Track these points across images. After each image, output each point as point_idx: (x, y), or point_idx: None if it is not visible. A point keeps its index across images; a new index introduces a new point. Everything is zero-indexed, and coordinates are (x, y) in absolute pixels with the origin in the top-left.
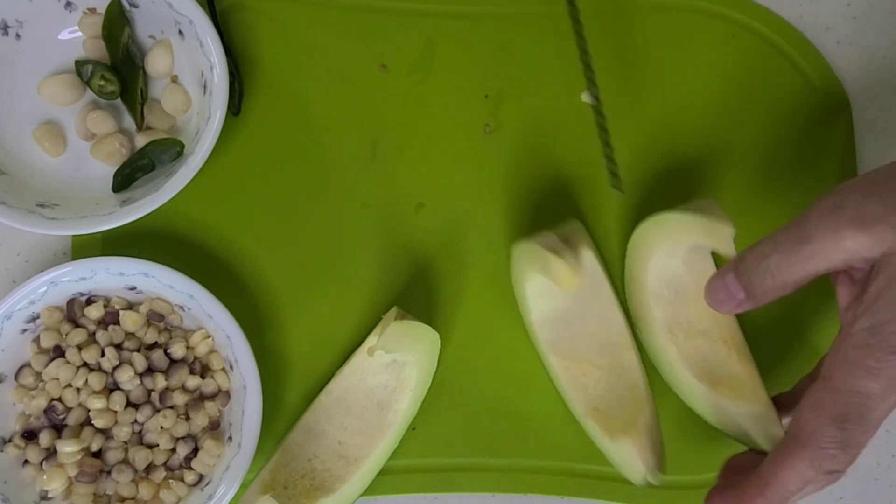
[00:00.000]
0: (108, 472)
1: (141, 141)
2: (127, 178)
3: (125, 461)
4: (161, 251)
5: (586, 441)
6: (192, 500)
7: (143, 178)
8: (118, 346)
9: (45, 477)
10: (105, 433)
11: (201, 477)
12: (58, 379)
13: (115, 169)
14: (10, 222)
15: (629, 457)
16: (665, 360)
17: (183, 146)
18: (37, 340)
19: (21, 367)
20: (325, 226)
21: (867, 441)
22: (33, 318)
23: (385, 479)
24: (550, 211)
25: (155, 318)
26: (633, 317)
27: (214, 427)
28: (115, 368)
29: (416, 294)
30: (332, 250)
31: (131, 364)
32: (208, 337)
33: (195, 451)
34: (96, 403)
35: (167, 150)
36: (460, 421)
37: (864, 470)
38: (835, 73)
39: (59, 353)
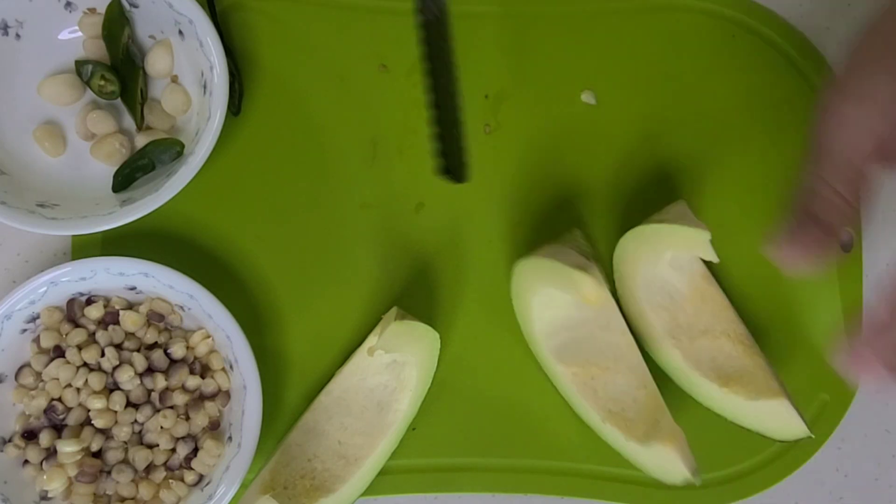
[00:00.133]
0: (108, 472)
1: (141, 141)
2: (127, 178)
3: (125, 461)
4: (161, 251)
5: (586, 441)
6: (192, 500)
7: (143, 178)
8: (118, 346)
9: (45, 477)
10: (105, 433)
11: (201, 477)
12: (58, 379)
13: (115, 169)
14: (10, 222)
15: (668, 459)
16: (673, 365)
17: (183, 146)
18: (37, 340)
19: (21, 367)
20: (325, 226)
21: None
22: (33, 318)
23: (385, 479)
24: (550, 211)
25: (155, 318)
26: (633, 329)
27: (214, 427)
28: (115, 368)
29: (417, 294)
30: (332, 250)
31: (131, 364)
32: (208, 337)
33: (195, 451)
34: (96, 403)
35: (167, 150)
36: (460, 421)
37: (864, 470)
38: (835, 74)
39: (59, 353)
